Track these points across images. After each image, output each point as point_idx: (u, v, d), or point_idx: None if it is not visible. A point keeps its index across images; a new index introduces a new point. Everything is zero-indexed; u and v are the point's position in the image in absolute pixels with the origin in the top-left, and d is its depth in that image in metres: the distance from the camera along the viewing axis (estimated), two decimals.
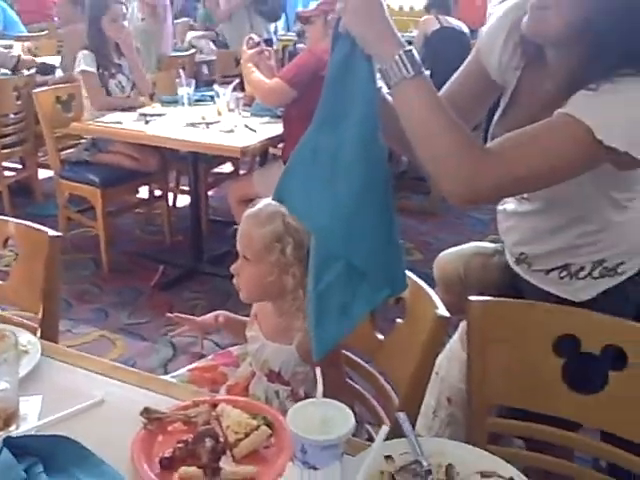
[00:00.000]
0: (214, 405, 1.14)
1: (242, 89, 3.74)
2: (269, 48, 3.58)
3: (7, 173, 4.44)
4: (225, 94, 3.55)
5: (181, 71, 4.09)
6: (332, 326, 1.12)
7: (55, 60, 5.05)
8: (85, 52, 3.71)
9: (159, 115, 3.58)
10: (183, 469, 1.00)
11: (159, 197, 4.08)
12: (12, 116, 4.31)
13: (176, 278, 3.53)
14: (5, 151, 4.28)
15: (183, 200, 4.26)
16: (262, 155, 4.02)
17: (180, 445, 1.04)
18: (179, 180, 4.37)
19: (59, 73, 4.82)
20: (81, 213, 3.80)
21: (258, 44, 3.36)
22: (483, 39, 1.34)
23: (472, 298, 1.27)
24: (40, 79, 4.58)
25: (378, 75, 1.10)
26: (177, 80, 3.84)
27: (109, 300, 3.34)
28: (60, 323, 1.66)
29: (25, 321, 1.54)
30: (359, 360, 1.52)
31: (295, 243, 1.34)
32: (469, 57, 1.37)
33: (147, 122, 3.44)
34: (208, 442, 1.03)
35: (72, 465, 1.00)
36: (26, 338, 1.33)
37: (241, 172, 4.41)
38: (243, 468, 1.02)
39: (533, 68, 1.26)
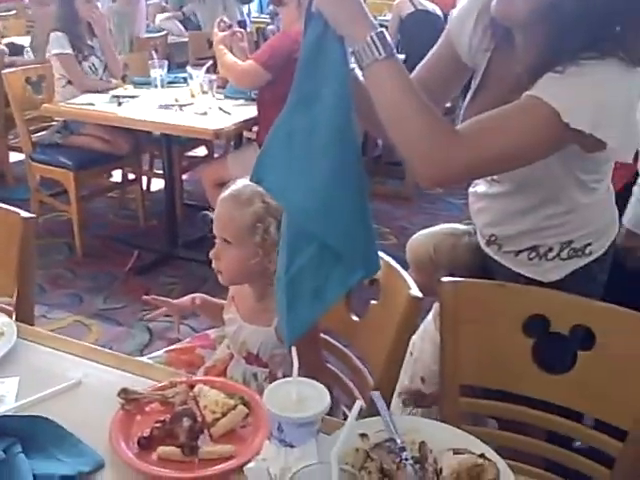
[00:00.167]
0: (191, 386, 1.15)
1: (215, 71, 3.71)
2: (241, 30, 3.56)
3: None
4: (198, 76, 3.53)
5: (154, 52, 4.06)
6: (304, 310, 1.12)
7: (24, 40, 4.96)
8: (58, 34, 3.64)
9: (132, 97, 3.55)
10: (161, 448, 1.02)
11: (133, 181, 4.05)
12: None
13: (151, 263, 3.52)
14: None
15: (157, 184, 4.24)
16: (237, 139, 4.00)
17: (158, 425, 1.05)
18: (153, 163, 4.34)
19: (29, 54, 4.74)
20: (53, 197, 3.77)
21: (230, 26, 3.34)
22: (453, 22, 1.35)
23: (443, 279, 1.30)
24: (8, 60, 4.50)
25: (351, 57, 1.11)
26: (150, 62, 3.80)
27: (83, 285, 3.32)
28: (34, 308, 1.65)
29: (0, 305, 1.53)
30: (335, 342, 1.54)
31: (278, 223, 1.33)
32: (440, 39, 1.38)
33: (120, 104, 3.41)
34: (186, 422, 1.04)
35: (50, 445, 1.01)
36: (1, 320, 1.33)
37: (215, 156, 4.38)
38: (221, 447, 1.03)
39: (502, 51, 1.28)
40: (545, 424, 1.29)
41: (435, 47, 1.39)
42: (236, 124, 3.19)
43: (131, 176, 4.06)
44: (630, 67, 1.09)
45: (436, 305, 1.54)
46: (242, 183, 1.40)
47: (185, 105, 3.34)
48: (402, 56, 4.44)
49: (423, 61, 1.40)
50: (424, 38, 4.24)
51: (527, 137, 1.10)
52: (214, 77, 3.58)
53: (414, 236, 1.75)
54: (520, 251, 1.40)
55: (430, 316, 1.73)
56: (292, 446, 0.90)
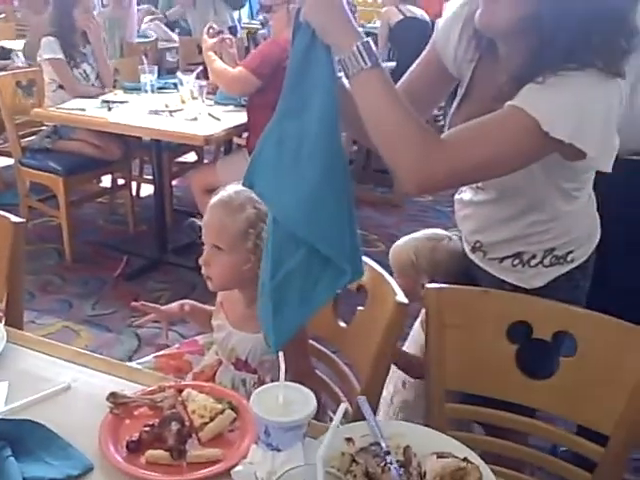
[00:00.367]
0: (180, 390, 1.16)
1: (206, 77, 3.72)
2: (230, 36, 3.57)
3: None
4: (189, 82, 3.54)
5: (144, 58, 4.06)
6: (292, 314, 1.13)
7: (13, 44, 4.95)
8: (50, 38, 3.64)
9: (122, 102, 3.55)
10: (150, 452, 1.03)
11: (122, 186, 4.04)
12: None
13: (140, 268, 3.52)
14: None
15: (147, 189, 4.23)
16: (227, 145, 4.01)
17: (146, 429, 1.06)
18: (142, 169, 4.33)
19: (19, 57, 4.73)
20: (43, 202, 3.76)
21: (219, 33, 3.36)
22: (439, 33, 1.37)
23: (428, 285, 1.32)
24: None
25: (338, 66, 1.13)
26: (140, 67, 3.81)
27: (73, 291, 3.32)
28: (24, 314, 1.65)
29: None
30: (322, 348, 1.55)
31: None
32: (426, 50, 1.41)
33: (110, 109, 3.42)
34: (174, 426, 1.05)
35: (39, 449, 1.02)
36: None
37: (205, 162, 4.39)
38: (209, 451, 1.05)
39: (486, 61, 1.30)
40: (528, 429, 1.31)
41: (421, 57, 1.41)
42: (226, 130, 3.20)
43: (121, 181, 4.06)
44: (609, 78, 1.11)
45: (424, 311, 1.56)
46: (232, 189, 1.40)
47: (175, 111, 3.35)
48: (393, 64, 4.49)
49: (410, 69, 1.42)
50: (414, 45, 4.27)
51: (508, 146, 1.13)
52: (204, 83, 3.59)
53: (396, 242, 1.78)
54: (504, 258, 1.42)
55: (417, 321, 1.75)
56: (279, 450, 0.92)
